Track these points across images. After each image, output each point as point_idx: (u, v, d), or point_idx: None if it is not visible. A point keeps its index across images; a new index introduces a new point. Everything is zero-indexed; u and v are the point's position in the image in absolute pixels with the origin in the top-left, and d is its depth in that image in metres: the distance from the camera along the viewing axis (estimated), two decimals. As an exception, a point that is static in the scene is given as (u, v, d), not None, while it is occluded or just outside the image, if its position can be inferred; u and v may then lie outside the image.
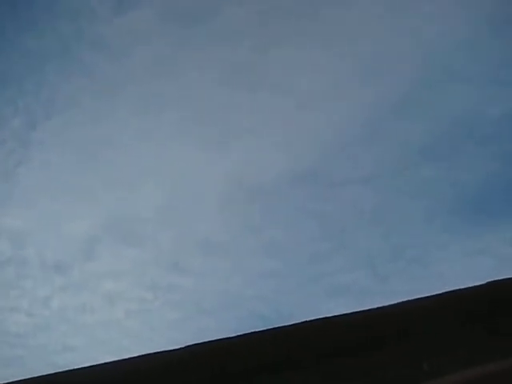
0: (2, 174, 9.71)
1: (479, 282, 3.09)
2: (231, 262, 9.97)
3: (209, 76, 9.88)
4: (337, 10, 9.96)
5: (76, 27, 9.57)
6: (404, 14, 10.08)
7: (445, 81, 10.09)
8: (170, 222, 10.00)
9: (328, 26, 9.97)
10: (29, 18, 9.49)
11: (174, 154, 10.04)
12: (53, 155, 9.89)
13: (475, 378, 2.75)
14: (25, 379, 2.54)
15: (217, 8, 9.70)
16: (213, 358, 2.71)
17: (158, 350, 2.70)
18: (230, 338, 2.75)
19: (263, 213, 10.23)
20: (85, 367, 2.60)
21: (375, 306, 2.91)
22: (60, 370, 2.58)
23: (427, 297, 2.99)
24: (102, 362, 2.62)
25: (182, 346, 2.71)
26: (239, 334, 2.77)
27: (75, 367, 2.60)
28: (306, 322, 2.84)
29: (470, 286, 3.07)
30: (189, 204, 10.04)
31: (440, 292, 3.02)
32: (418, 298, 2.98)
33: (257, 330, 2.78)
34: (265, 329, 2.79)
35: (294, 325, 2.83)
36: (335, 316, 2.87)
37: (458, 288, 3.03)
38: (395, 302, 2.94)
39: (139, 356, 2.63)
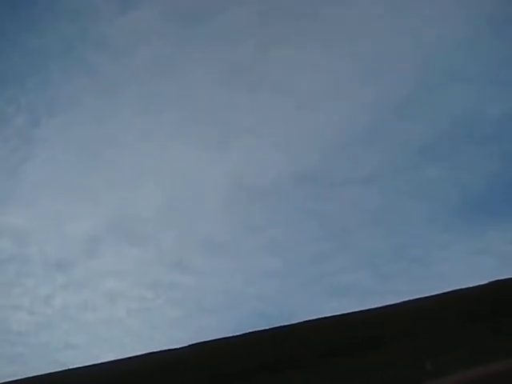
0: (5, 171, 9.72)
1: (481, 281, 3.09)
2: (232, 261, 9.97)
3: (209, 76, 9.88)
4: (337, 10, 9.96)
5: (78, 27, 9.58)
6: (404, 14, 10.08)
7: (445, 81, 10.09)
8: (172, 222, 10.01)
9: (328, 25, 9.97)
10: (29, 18, 9.51)
11: (174, 153, 10.04)
12: (55, 154, 9.89)
13: (478, 377, 2.75)
14: (25, 379, 2.54)
15: (217, 8, 9.70)
16: (213, 357, 2.71)
17: (161, 349, 2.70)
18: (229, 337, 2.75)
19: (264, 213, 10.23)
20: (83, 366, 2.60)
21: (377, 306, 2.92)
22: (59, 370, 2.59)
23: (429, 296, 2.98)
24: (102, 361, 2.63)
25: (183, 345, 2.71)
26: (239, 333, 2.77)
27: (75, 366, 2.61)
28: (307, 321, 2.84)
29: (473, 285, 3.08)
30: (190, 204, 10.04)
31: (442, 292, 3.02)
32: (420, 298, 2.98)
33: (257, 329, 2.79)
34: (265, 328, 2.80)
35: (294, 324, 2.83)
36: (335, 316, 2.87)
37: (460, 288, 3.03)
38: (397, 301, 2.95)
39: (143, 354, 2.64)
